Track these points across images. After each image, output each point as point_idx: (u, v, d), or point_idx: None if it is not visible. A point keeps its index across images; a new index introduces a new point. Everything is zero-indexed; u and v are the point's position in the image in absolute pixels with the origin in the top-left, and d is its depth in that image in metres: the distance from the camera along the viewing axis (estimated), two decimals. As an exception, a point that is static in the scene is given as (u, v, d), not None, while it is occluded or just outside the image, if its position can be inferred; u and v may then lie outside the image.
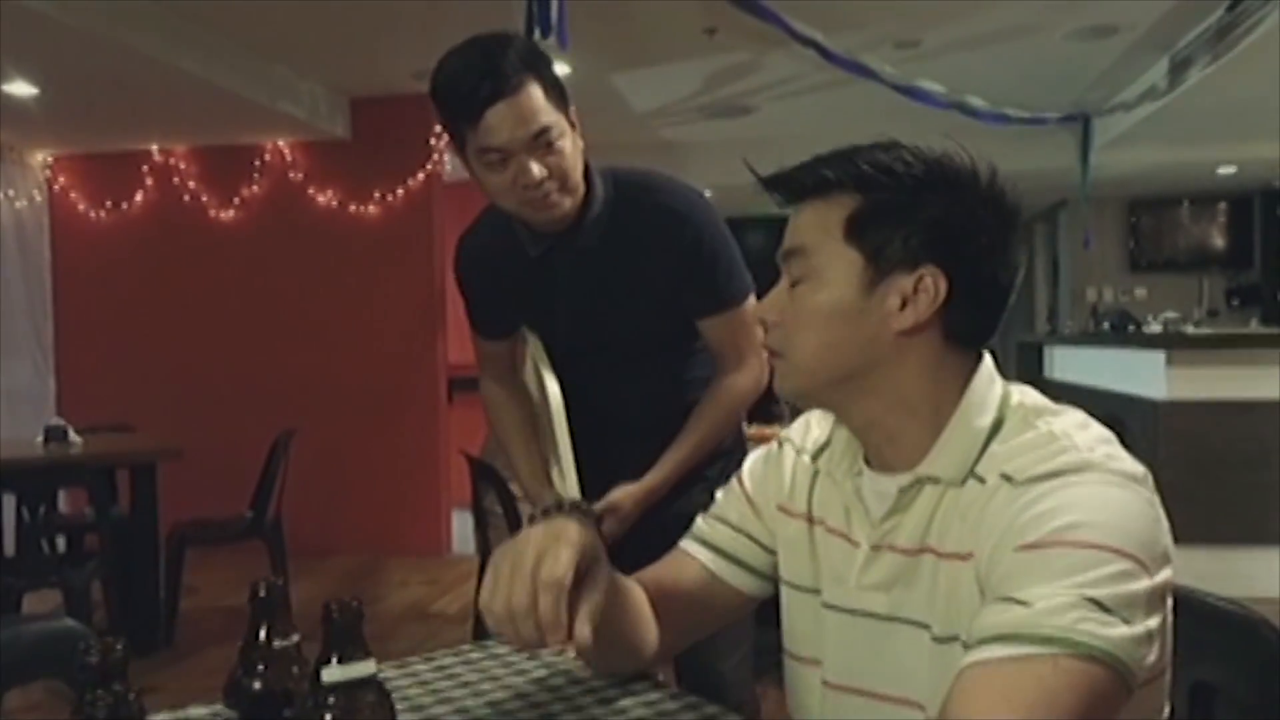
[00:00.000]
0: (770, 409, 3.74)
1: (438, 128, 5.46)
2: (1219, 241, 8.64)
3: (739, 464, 1.72)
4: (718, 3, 3.77)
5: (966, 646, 0.76)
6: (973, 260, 0.89)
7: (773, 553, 1.07)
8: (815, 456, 1.03)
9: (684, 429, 1.64)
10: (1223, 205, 8.51)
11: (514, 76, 1.41)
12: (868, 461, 0.96)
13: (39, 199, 5.82)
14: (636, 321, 1.63)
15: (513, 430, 1.76)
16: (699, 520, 1.14)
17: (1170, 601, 0.81)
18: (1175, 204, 8.55)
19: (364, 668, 0.78)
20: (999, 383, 0.92)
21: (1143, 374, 4.55)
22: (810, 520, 1.01)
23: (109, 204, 5.85)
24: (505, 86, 1.40)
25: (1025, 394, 0.92)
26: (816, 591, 0.99)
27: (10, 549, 3.54)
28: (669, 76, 5.10)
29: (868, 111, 5.63)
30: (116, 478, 4.05)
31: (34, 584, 3.58)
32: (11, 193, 5.61)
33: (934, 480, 0.89)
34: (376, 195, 5.52)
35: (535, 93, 1.42)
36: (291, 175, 5.65)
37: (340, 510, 5.51)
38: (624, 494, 1.60)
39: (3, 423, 5.33)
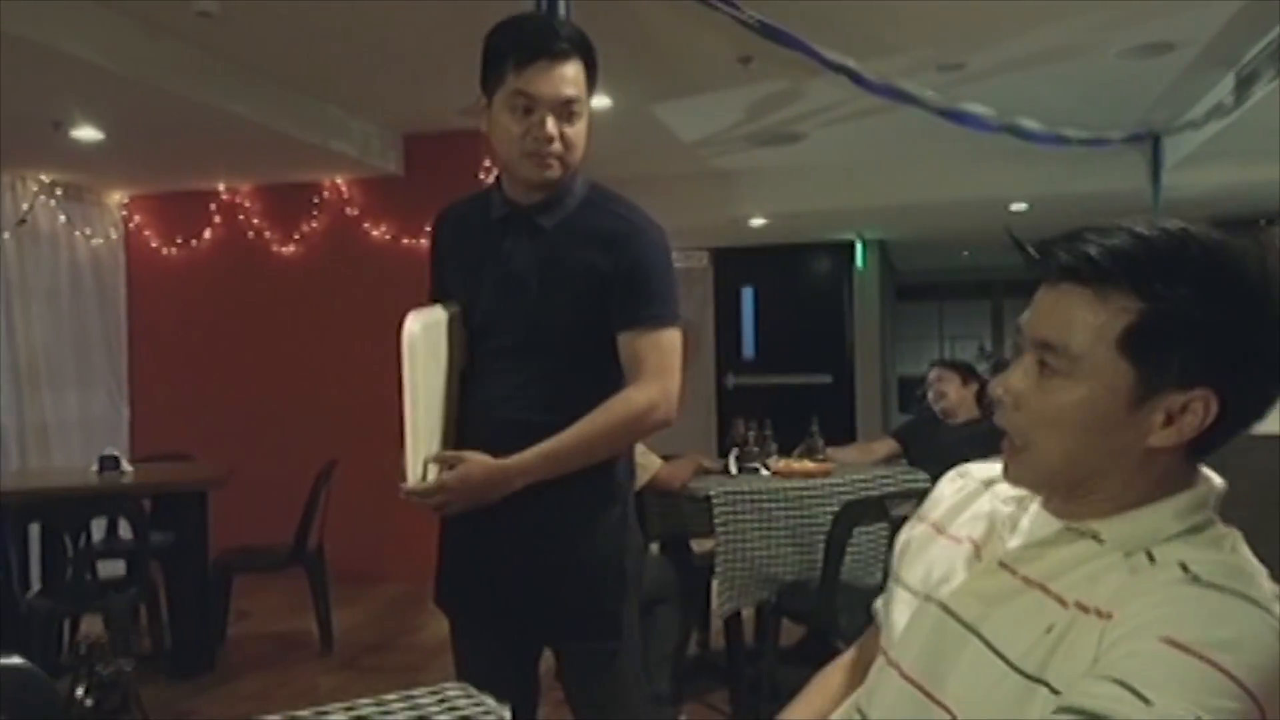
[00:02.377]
0: None
1: (487, 162, 5.57)
2: (1314, 262, 8.17)
3: (619, 521, 1.74)
4: (749, 33, 3.75)
5: (1058, 698, 0.78)
6: (1250, 382, 0.85)
7: None
8: (989, 483, 1.04)
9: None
10: (1316, 224, 8.05)
11: (568, 46, 1.62)
12: (1045, 506, 0.95)
13: (115, 237, 6.12)
14: (557, 312, 1.67)
15: None
16: None
17: None
18: (1267, 223, 8.12)
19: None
20: (1209, 510, 0.89)
21: (1209, 405, 4.30)
22: (939, 530, 1.04)
23: (179, 241, 6.12)
24: (558, 49, 1.61)
25: (1236, 532, 0.89)
26: (922, 594, 1.00)
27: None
28: (710, 106, 5.09)
29: (920, 135, 5.53)
30: (173, 505, 4.20)
31: (77, 610, 3.71)
32: (89, 231, 5.90)
33: (1099, 539, 0.87)
34: (427, 229, 5.60)
35: (578, 68, 1.63)
36: (348, 211, 5.81)
37: (388, 538, 5.59)
38: (479, 460, 1.62)
39: (77, 450, 5.60)
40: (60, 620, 3.79)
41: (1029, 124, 4.71)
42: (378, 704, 1.21)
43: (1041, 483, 0.92)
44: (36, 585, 3.87)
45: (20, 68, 3.59)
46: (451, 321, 1.72)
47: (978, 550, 0.98)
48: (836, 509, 3.16)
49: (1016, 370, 0.91)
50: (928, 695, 0.92)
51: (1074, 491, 0.90)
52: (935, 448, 3.78)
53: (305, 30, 3.95)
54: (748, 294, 8.70)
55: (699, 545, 3.61)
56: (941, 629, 0.93)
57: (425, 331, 1.64)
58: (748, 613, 3.56)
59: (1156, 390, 0.84)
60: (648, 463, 3.33)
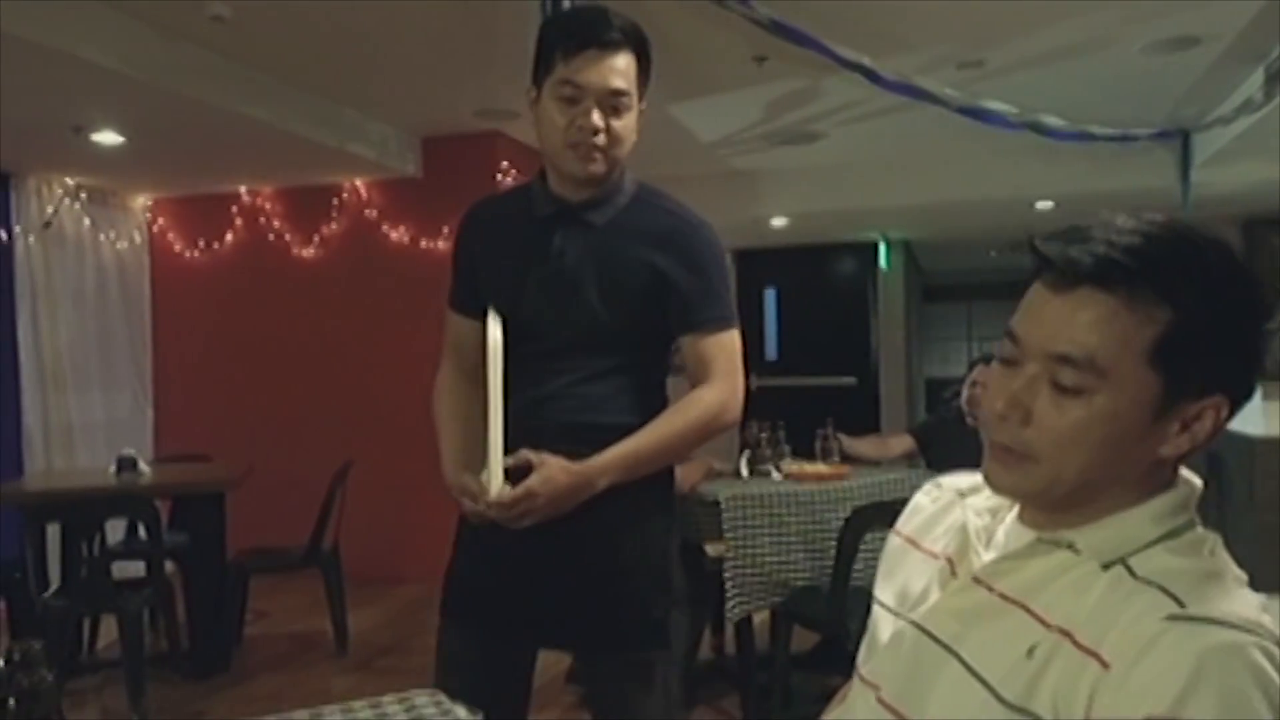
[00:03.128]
0: None
1: (505, 163, 5.57)
2: (1352, 261, 7.96)
3: (666, 528, 1.72)
4: (762, 31, 3.71)
5: None
6: (1252, 385, 0.82)
7: None
8: (964, 494, 1.00)
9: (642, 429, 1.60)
10: (1354, 222, 7.84)
11: (619, 36, 1.58)
12: (1020, 517, 0.92)
13: (139, 240, 6.18)
14: (613, 311, 1.62)
15: (450, 417, 1.74)
16: None
17: None
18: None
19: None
20: (1192, 512, 0.85)
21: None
22: (916, 545, 1.01)
23: (202, 244, 6.17)
24: (609, 39, 1.57)
25: (1215, 535, 0.85)
26: (898, 614, 0.97)
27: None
28: (727, 105, 5.05)
29: (942, 133, 5.47)
30: (192, 506, 4.22)
31: (90, 609, 3.74)
32: (113, 234, 5.97)
33: (1074, 549, 0.83)
34: (445, 230, 5.64)
35: (629, 61, 1.59)
36: (367, 213, 5.84)
37: (407, 540, 5.61)
38: (559, 463, 1.55)
39: (102, 451, 5.65)
40: (78, 619, 3.83)
41: (1051, 121, 4.63)
42: (344, 710, 1.19)
43: (1042, 495, 0.86)
44: (57, 584, 3.91)
45: (37, 71, 3.63)
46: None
47: (952, 566, 0.94)
48: (849, 513, 3.11)
49: (1018, 380, 0.84)
50: None
51: (1066, 502, 0.85)
52: (958, 451, 3.69)
53: (318, 33, 3.96)
54: (770, 295, 8.64)
55: (713, 549, 3.58)
56: (918, 650, 0.90)
57: (503, 337, 1.60)
58: (762, 617, 3.52)
59: (1178, 400, 0.81)
60: (656, 465, 3.30)
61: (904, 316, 8.74)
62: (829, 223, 7.37)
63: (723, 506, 3.16)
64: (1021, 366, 0.85)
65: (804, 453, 3.77)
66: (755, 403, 7.88)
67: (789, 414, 4.00)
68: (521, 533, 1.58)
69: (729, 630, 3.80)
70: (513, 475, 1.54)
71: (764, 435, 3.65)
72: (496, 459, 1.53)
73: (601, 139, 1.58)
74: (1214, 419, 0.81)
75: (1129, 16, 3.93)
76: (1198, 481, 0.88)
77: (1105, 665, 0.75)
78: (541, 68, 1.61)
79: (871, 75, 3.87)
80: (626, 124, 1.60)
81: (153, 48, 3.82)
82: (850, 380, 8.42)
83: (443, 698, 1.26)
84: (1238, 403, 0.83)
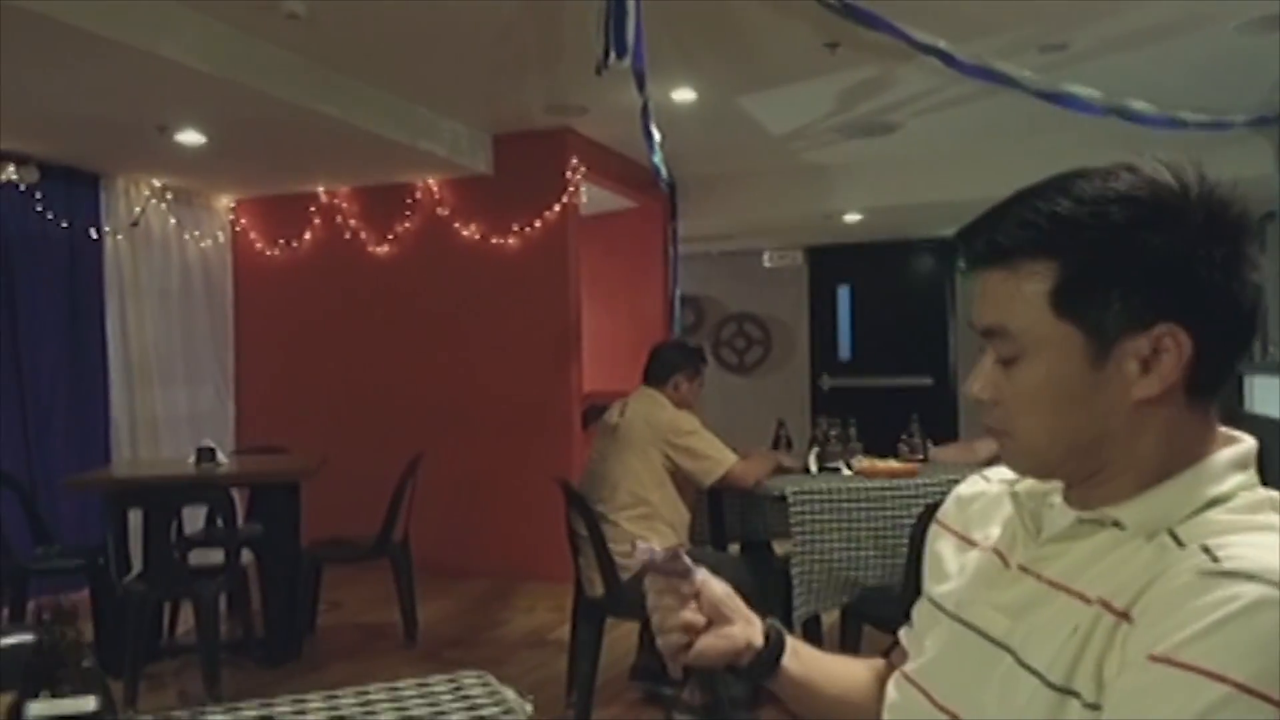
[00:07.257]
0: None
1: (574, 159, 5.57)
2: None
3: None
4: (834, 17, 3.62)
5: (1094, 713, 0.73)
6: (1210, 300, 0.78)
7: None
8: (1013, 484, 0.97)
9: None
10: None
11: None
12: (1066, 497, 0.90)
13: (223, 239, 6.36)
14: None
15: None
16: None
17: None
18: None
19: (78, 705, 0.72)
20: (1250, 473, 0.82)
21: (1343, 407, 3.95)
22: (966, 539, 0.99)
23: (282, 242, 6.31)
24: None
25: (1276, 495, 0.81)
26: (951, 613, 0.94)
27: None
28: (798, 96, 4.95)
29: (1023, 122, 5.29)
30: (269, 496, 4.31)
31: (168, 595, 3.84)
32: (197, 233, 6.15)
33: (1119, 525, 0.81)
34: (515, 227, 5.66)
35: None
36: (439, 210, 5.89)
37: (477, 533, 5.65)
38: None
39: (186, 444, 5.80)
40: (157, 604, 3.93)
41: (1139, 106, 4.41)
42: (390, 690, 1.17)
43: (1035, 465, 0.87)
44: (138, 570, 4.03)
45: (120, 70, 3.75)
46: None
47: (1003, 558, 0.92)
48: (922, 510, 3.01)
49: (982, 368, 0.87)
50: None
51: (1082, 471, 0.84)
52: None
53: (389, 30, 4.00)
54: (844, 293, 8.49)
55: (780, 547, 3.50)
56: (972, 650, 0.88)
57: None
58: (832, 618, 3.43)
59: (1112, 340, 0.79)
60: (721, 457, 3.24)
61: (984, 315, 8.49)
62: (904, 218, 7.20)
63: (790, 502, 3.09)
64: (985, 353, 0.88)
65: (878, 455, 3.67)
66: (828, 403, 7.80)
67: (863, 415, 3.90)
68: None
69: (798, 631, 3.72)
70: None
71: (833, 432, 3.57)
72: None
73: None
74: (1174, 348, 0.78)
75: (1223, -7, 3.74)
76: (1250, 440, 0.83)
77: (1131, 621, 0.74)
78: None
79: (947, 59, 3.75)
80: None
81: (230, 46, 3.91)
82: (927, 380, 8.22)
83: (491, 680, 1.23)
84: (1201, 326, 0.78)
